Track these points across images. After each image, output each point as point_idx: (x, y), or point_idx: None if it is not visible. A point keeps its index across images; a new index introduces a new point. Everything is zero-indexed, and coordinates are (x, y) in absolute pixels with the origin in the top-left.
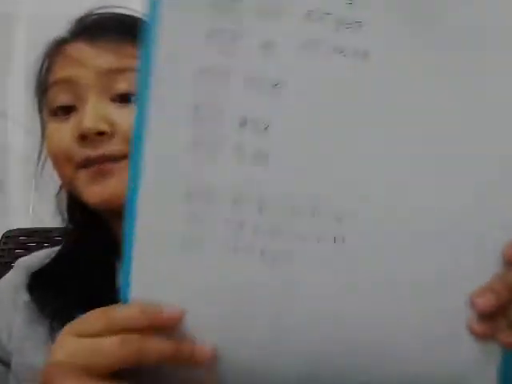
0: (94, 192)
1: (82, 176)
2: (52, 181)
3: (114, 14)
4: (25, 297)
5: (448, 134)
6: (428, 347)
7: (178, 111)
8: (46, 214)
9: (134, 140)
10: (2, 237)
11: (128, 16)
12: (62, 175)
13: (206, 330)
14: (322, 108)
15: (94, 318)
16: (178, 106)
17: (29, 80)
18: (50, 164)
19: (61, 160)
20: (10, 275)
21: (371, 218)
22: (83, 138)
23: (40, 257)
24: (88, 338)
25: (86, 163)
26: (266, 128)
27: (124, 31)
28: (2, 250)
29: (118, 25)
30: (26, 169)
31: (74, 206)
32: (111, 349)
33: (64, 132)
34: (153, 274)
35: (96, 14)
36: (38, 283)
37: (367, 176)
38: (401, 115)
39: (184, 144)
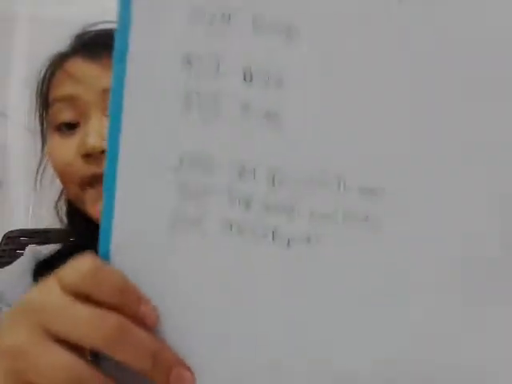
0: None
1: (90, 194)
2: (52, 182)
3: (112, 30)
4: (28, 282)
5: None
6: None
7: (165, 62)
8: (46, 214)
9: (114, 93)
10: (3, 237)
11: None
12: (67, 189)
13: (198, 328)
14: (346, 58)
15: (83, 272)
16: (165, 53)
17: (29, 81)
18: (49, 167)
19: (66, 175)
20: (21, 259)
21: (409, 194)
22: (88, 156)
23: (49, 248)
24: (70, 295)
25: (92, 180)
26: (278, 83)
27: None
28: (3, 250)
29: None
30: (26, 169)
31: (74, 212)
32: (88, 322)
33: (68, 148)
34: (137, 253)
35: (95, 31)
36: (43, 271)
37: (403, 142)
38: (445, 65)
39: (171, 101)
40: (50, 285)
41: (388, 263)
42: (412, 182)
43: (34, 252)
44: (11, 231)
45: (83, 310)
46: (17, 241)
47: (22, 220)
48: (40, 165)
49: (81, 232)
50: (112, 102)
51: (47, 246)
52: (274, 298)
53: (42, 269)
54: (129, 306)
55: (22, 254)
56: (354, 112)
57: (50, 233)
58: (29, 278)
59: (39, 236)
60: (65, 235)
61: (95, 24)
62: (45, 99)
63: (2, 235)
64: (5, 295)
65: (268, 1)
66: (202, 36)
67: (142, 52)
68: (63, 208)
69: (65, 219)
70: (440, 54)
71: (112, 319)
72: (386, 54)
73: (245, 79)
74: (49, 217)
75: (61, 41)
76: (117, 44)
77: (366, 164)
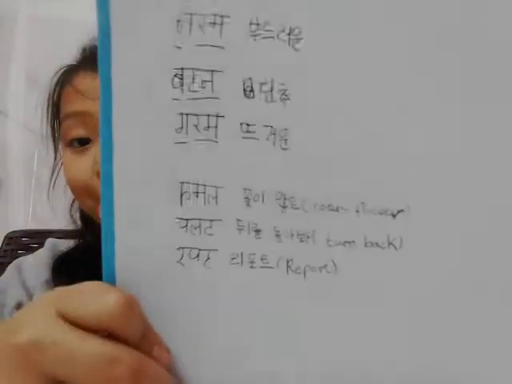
0: None
1: None
2: (52, 182)
3: None
4: (46, 276)
5: None
6: None
7: (153, 78)
8: (47, 214)
9: (103, 114)
10: (4, 238)
11: None
12: (81, 203)
13: (204, 366)
14: (356, 65)
15: (112, 308)
16: (153, 67)
17: (29, 81)
18: (50, 168)
19: (80, 191)
20: (40, 252)
21: (433, 213)
22: None
23: (67, 243)
24: (72, 326)
25: None
26: (283, 95)
27: None
28: (5, 250)
29: None
30: (26, 169)
31: (87, 218)
32: (101, 361)
33: (82, 164)
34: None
35: None
36: (62, 266)
37: (425, 158)
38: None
39: (164, 123)
40: (47, 314)
41: (413, 288)
42: (436, 201)
43: (52, 245)
44: (13, 232)
45: (96, 348)
46: (18, 241)
47: (22, 220)
48: (52, 175)
49: (97, 233)
50: (102, 123)
51: (64, 241)
52: (291, 332)
53: (60, 264)
54: (146, 347)
55: (23, 255)
56: (370, 128)
57: (52, 233)
58: (45, 271)
59: (41, 237)
60: (78, 235)
61: None
62: (56, 112)
63: (3, 236)
64: (26, 283)
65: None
66: (193, 47)
67: (126, 68)
68: (77, 213)
69: (79, 222)
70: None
71: (129, 358)
72: (398, 63)
73: (245, 93)
74: (48, 216)
75: (61, 41)
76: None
77: (386, 184)
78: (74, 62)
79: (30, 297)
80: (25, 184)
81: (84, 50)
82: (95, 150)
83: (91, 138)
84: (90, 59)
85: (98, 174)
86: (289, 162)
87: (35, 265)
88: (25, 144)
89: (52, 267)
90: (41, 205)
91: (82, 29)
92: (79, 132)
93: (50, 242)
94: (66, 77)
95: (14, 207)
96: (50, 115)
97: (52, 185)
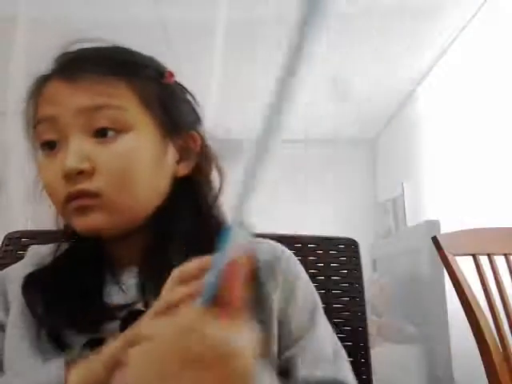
0: (79, 224)
1: (68, 209)
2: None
3: (91, 51)
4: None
5: None
6: None
7: None
8: (46, 215)
9: None
10: (4, 238)
11: (105, 50)
12: (55, 206)
13: None
14: None
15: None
16: None
17: (30, 81)
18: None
19: (51, 193)
20: (24, 261)
21: None
22: (67, 176)
23: (50, 247)
24: None
25: (68, 199)
26: None
27: (100, 69)
28: (5, 251)
29: (94, 63)
30: (26, 169)
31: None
32: None
33: (52, 168)
34: None
35: (72, 53)
36: (30, 286)
37: None
38: None
39: None
40: None
41: None
42: None
43: (32, 255)
44: (13, 232)
45: None
46: (18, 242)
47: (22, 220)
48: (36, 182)
49: (76, 244)
50: None
51: (47, 246)
52: None
53: (30, 283)
54: None
55: (23, 255)
56: None
57: (52, 234)
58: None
59: (41, 237)
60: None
61: (77, 41)
62: (30, 121)
63: (3, 236)
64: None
65: None
66: None
67: None
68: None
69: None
70: None
71: None
72: None
73: None
74: (49, 216)
75: (60, 41)
76: None
77: None
78: (47, 71)
79: (7, 311)
80: (24, 184)
81: (56, 59)
82: (63, 154)
83: (60, 141)
84: (60, 68)
85: (63, 177)
86: None
87: (17, 277)
88: (25, 144)
89: (22, 285)
90: (41, 205)
91: (82, 28)
92: (48, 135)
93: (31, 249)
94: (40, 84)
95: (13, 207)
96: (27, 123)
97: (39, 187)
